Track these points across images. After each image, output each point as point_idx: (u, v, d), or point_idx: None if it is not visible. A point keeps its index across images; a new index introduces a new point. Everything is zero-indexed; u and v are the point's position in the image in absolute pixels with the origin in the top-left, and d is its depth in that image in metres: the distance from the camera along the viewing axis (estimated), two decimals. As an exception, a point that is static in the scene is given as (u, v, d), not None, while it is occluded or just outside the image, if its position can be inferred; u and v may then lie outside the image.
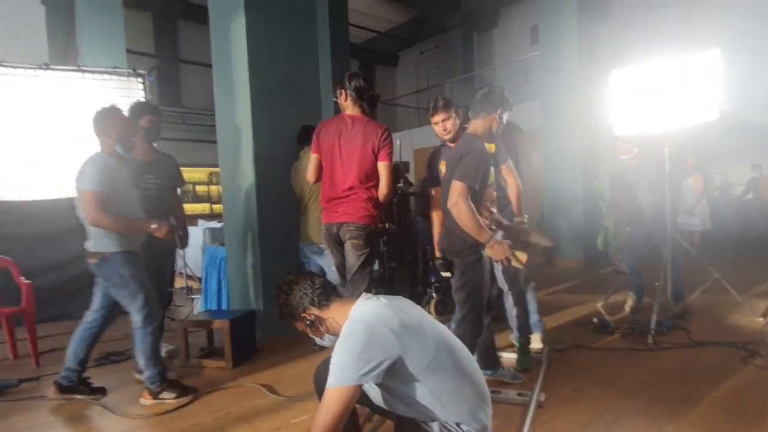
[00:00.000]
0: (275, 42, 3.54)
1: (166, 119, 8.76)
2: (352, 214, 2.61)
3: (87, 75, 5.71)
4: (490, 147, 2.50)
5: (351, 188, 2.61)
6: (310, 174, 2.78)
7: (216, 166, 4.00)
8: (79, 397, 2.59)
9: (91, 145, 2.58)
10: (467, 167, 2.12)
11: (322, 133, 2.69)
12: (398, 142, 4.80)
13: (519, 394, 2.36)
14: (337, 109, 2.80)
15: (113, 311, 2.62)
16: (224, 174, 3.81)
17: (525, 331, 2.86)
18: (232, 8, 3.48)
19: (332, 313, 1.53)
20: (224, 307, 3.88)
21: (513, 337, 2.90)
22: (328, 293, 1.56)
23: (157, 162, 3.03)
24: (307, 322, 1.55)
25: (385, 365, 1.33)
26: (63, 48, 8.54)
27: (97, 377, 3.03)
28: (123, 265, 2.43)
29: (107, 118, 2.50)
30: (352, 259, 2.65)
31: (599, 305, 3.69)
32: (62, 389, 2.58)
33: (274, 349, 3.13)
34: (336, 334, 1.49)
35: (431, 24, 12.99)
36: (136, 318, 2.47)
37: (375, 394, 1.50)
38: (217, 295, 4.01)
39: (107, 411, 2.47)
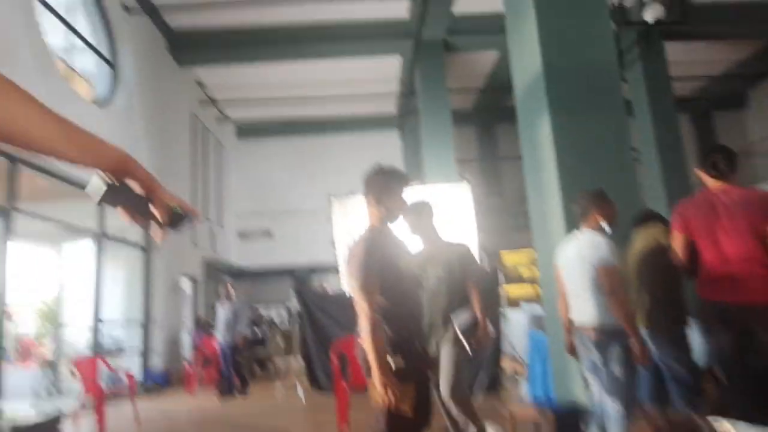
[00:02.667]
0: (579, 123, 3.63)
1: (490, 209, 9.73)
2: (760, 291, 2.32)
3: (428, 187, 7.15)
4: None
5: (747, 260, 2.36)
6: (682, 255, 2.61)
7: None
8: None
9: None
10: None
11: (690, 213, 2.58)
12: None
13: None
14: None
15: None
16: (540, 259, 3.95)
17: None
18: (538, 105, 3.79)
19: None
20: (550, 393, 3.82)
21: None
22: None
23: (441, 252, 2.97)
24: None
25: None
26: (413, 168, 10.93)
27: None
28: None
29: (603, 200, 2.74)
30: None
31: None
32: None
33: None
34: None
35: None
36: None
37: None
38: (542, 380, 4.00)
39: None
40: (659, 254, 2.94)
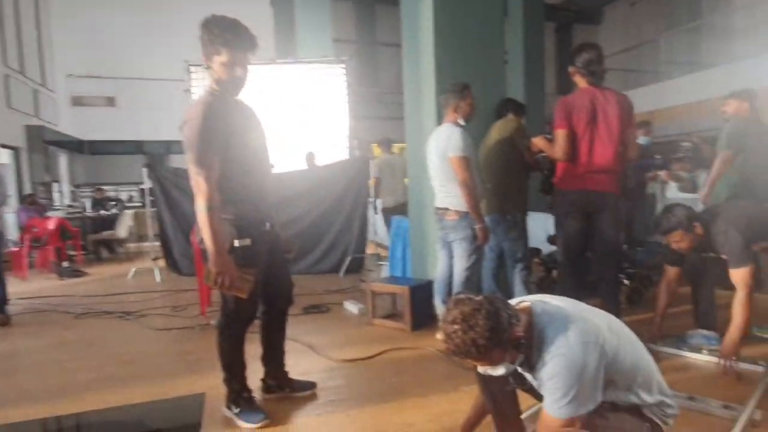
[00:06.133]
0: (460, 14, 3.55)
1: (364, 99, 9.58)
2: (612, 184, 2.73)
3: (302, 65, 6.67)
4: None
5: (612, 159, 2.68)
6: (562, 151, 2.73)
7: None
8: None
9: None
10: None
11: (574, 109, 2.71)
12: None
13: (725, 407, 2.02)
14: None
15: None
16: (410, 148, 4.02)
17: None
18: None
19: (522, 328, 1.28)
20: (408, 274, 4.18)
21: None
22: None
23: None
24: (514, 346, 1.27)
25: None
26: (285, 43, 10.00)
27: (305, 324, 3.62)
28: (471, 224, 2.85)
29: (462, 95, 2.89)
30: (608, 227, 2.73)
31: None
32: None
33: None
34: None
35: (646, -32, 11.19)
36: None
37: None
38: (402, 263, 4.33)
39: (313, 351, 2.97)
40: (509, 147, 3.19)
